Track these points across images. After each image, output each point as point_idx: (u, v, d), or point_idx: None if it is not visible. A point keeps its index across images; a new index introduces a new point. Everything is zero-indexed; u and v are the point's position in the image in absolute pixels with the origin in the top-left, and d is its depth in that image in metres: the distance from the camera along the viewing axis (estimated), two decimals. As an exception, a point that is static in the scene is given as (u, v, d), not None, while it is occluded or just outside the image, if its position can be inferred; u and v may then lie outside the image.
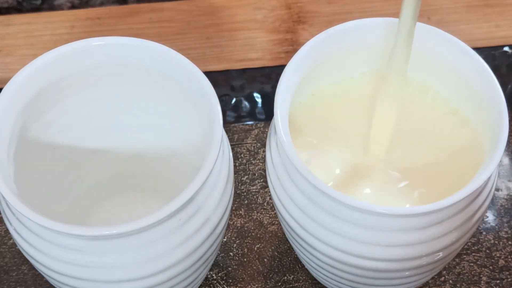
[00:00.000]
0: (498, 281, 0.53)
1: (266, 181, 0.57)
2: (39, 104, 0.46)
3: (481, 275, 0.53)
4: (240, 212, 0.56)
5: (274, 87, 0.62)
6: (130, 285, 0.43)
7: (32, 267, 0.53)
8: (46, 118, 0.48)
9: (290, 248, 0.54)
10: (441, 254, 0.44)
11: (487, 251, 0.54)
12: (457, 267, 0.54)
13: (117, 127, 0.51)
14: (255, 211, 0.56)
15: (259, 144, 0.59)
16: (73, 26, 0.65)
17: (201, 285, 0.53)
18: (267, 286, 0.53)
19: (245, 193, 0.56)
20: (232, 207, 0.52)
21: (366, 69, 0.49)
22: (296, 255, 0.54)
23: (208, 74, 0.45)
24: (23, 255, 0.49)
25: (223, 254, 0.54)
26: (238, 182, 0.57)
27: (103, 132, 0.51)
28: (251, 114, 0.61)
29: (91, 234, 0.39)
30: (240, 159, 0.58)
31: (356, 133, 0.48)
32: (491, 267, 0.54)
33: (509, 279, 0.53)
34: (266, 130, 0.59)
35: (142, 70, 0.47)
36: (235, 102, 0.62)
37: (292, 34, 0.65)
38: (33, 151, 0.47)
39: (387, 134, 0.47)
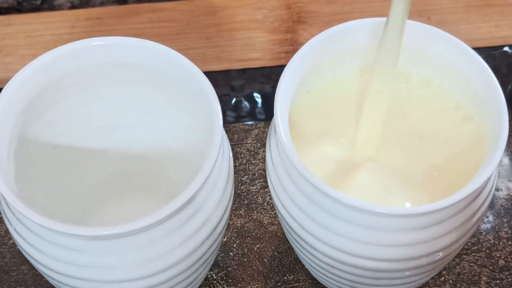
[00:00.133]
0: (498, 281, 0.53)
1: (266, 181, 0.57)
2: (39, 104, 0.46)
3: (481, 275, 0.53)
4: (240, 212, 0.56)
5: (274, 87, 0.62)
6: (130, 285, 0.43)
7: (32, 267, 0.53)
8: (46, 118, 0.48)
9: (290, 248, 0.54)
10: (441, 254, 0.44)
11: (487, 251, 0.54)
12: (457, 267, 0.54)
13: (117, 127, 0.51)
14: (255, 211, 0.56)
15: (259, 144, 0.59)
16: (73, 26, 0.65)
17: (201, 285, 0.53)
18: (267, 286, 0.53)
19: (245, 193, 0.56)
20: (232, 207, 0.52)
21: (365, 68, 0.49)
22: (296, 255, 0.54)
23: (208, 74, 0.45)
24: (23, 255, 0.49)
25: (223, 254, 0.54)
26: (238, 182, 0.57)
27: (103, 132, 0.51)
28: (251, 114, 0.61)
29: (91, 234, 0.39)
30: (240, 159, 0.58)
31: (353, 130, 0.48)
32: (491, 267, 0.54)
33: (509, 279, 0.53)
34: (266, 130, 0.59)
35: (142, 70, 0.47)
36: (235, 102, 0.62)
37: (292, 34, 0.65)
38: (33, 151, 0.47)
39: (376, 131, 0.47)
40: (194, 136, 0.48)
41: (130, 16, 0.66)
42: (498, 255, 0.54)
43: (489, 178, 0.44)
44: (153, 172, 0.53)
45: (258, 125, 0.60)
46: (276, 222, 0.55)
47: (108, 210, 0.53)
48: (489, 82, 0.45)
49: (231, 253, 0.54)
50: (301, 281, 0.53)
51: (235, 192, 0.56)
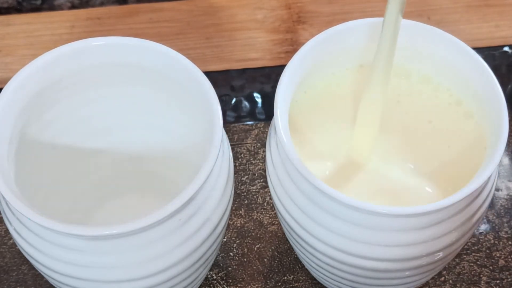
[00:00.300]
0: (498, 281, 0.53)
1: (266, 181, 0.57)
2: (39, 104, 0.46)
3: (481, 275, 0.53)
4: (240, 212, 0.56)
5: (274, 87, 0.62)
6: (130, 285, 0.43)
7: (32, 267, 0.53)
8: (46, 118, 0.48)
9: (290, 248, 0.54)
10: (441, 254, 0.44)
11: (487, 251, 0.54)
12: (457, 267, 0.54)
13: (117, 127, 0.51)
14: (255, 211, 0.56)
15: (259, 144, 0.59)
16: (73, 26, 0.65)
17: (201, 285, 0.53)
18: (267, 286, 0.53)
19: (245, 193, 0.56)
20: (232, 207, 0.52)
21: (366, 67, 0.49)
22: (296, 255, 0.54)
23: (208, 74, 0.45)
24: (23, 255, 0.49)
25: (223, 254, 0.54)
26: (238, 182, 0.57)
27: (103, 132, 0.51)
28: (251, 114, 0.61)
29: (91, 234, 0.39)
30: (240, 159, 0.58)
31: (352, 129, 0.48)
32: (491, 267, 0.54)
33: (509, 279, 0.53)
34: (266, 130, 0.59)
35: (142, 70, 0.47)
36: (235, 102, 0.62)
37: (292, 34, 0.65)
38: (33, 151, 0.47)
39: (372, 131, 0.47)
40: (194, 136, 0.48)
41: (130, 16, 0.66)
42: (498, 255, 0.54)
43: (489, 178, 0.44)
44: (153, 172, 0.53)
45: (258, 125, 0.60)
46: (276, 222, 0.55)
47: (108, 210, 0.53)
48: (489, 82, 0.45)
49: (231, 253, 0.54)
50: (301, 281, 0.53)
51: (235, 192, 0.56)
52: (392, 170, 0.47)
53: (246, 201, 0.56)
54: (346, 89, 0.49)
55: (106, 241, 0.41)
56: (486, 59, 0.47)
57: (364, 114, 0.46)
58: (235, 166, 0.57)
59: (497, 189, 0.57)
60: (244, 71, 0.63)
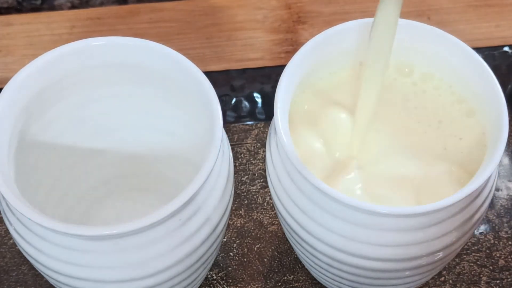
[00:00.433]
0: (498, 281, 0.53)
1: (266, 181, 0.57)
2: (39, 104, 0.46)
3: (481, 275, 0.53)
4: (240, 212, 0.56)
5: (274, 87, 0.62)
6: (130, 285, 0.43)
7: (32, 267, 0.53)
8: (46, 118, 0.48)
9: (290, 248, 0.54)
10: (441, 254, 0.44)
11: (487, 251, 0.54)
12: (457, 267, 0.54)
13: (117, 127, 0.51)
14: (255, 211, 0.56)
15: (259, 144, 0.59)
16: (73, 26, 0.65)
17: (201, 285, 0.53)
18: (267, 286, 0.53)
19: (245, 193, 0.56)
20: (232, 207, 0.52)
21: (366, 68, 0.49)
22: (296, 255, 0.54)
23: (208, 74, 0.45)
24: (23, 255, 0.49)
25: (223, 254, 0.54)
26: (238, 182, 0.57)
27: (103, 132, 0.51)
28: (251, 114, 0.61)
29: (91, 234, 0.39)
30: (240, 159, 0.58)
31: (352, 129, 0.48)
32: (491, 267, 0.54)
33: (509, 279, 0.53)
34: (266, 130, 0.59)
35: (142, 70, 0.47)
36: (235, 102, 0.62)
37: (292, 34, 0.65)
38: (33, 151, 0.47)
39: (367, 131, 0.47)
40: (194, 136, 0.48)
41: (130, 16, 0.66)
42: (498, 255, 0.54)
43: (489, 178, 0.44)
44: (153, 172, 0.53)
45: (258, 125, 0.60)
46: (276, 222, 0.55)
47: (108, 210, 0.53)
48: (489, 82, 0.45)
49: (231, 253, 0.54)
50: (301, 281, 0.53)
51: (235, 192, 0.56)
52: (392, 170, 0.46)
53: (246, 201, 0.56)
54: (346, 89, 0.49)
55: (106, 241, 0.41)
56: (486, 59, 0.47)
57: (360, 113, 0.46)
58: (235, 166, 0.57)
59: (497, 189, 0.57)
60: (244, 71, 0.63)
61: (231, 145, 0.55)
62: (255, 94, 0.62)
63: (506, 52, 0.64)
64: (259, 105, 0.62)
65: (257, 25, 0.65)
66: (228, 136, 0.53)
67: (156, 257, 0.42)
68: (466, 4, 0.66)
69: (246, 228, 0.55)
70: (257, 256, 0.54)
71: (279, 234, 0.55)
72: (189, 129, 0.49)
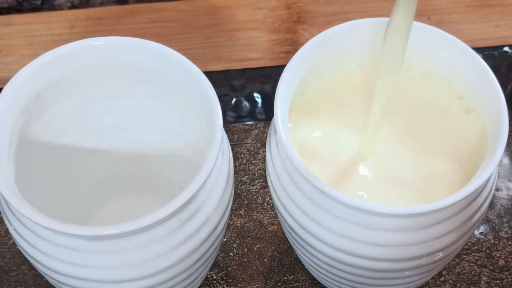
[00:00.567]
0: (498, 281, 0.53)
1: (266, 181, 0.57)
2: (39, 104, 0.46)
3: (481, 275, 0.53)
4: (240, 212, 0.56)
5: (274, 87, 0.61)
6: (130, 285, 0.43)
7: (32, 267, 0.53)
8: (46, 118, 0.48)
9: (290, 248, 0.54)
10: (441, 254, 0.44)
11: (487, 251, 0.54)
12: (457, 267, 0.54)
13: (117, 127, 0.51)
14: (255, 211, 0.56)
15: (259, 144, 0.59)
16: (73, 26, 0.65)
17: (201, 285, 0.53)
18: (267, 286, 0.53)
19: (245, 193, 0.56)
20: (232, 207, 0.52)
21: (365, 67, 0.49)
22: (296, 255, 0.54)
23: (208, 74, 0.45)
24: (23, 255, 0.49)
25: (223, 254, 0.54)
26: (238, 182, 0.57)
27: (103, 132, 0.51)
28: (251, 114, 0.61)
29: (91, 234, 0.39)
30: (240, 159, 0.58)
31: (351, 129, 0.48)
32: (491, 267, 0.54)
33: (509, 279, 0.53)
34: (266, 130, 0.59)
35: (142, 70, 0.47)
36: (235, 102, 0.62)
37: (292, 34, 0.65)
38: (33, 151, 0.47)
39: (377, 133, 0.47)
40: (194, 136, 0.48)
41: (130, 16, 0.66)
42: (498, 255, 0.54)
43: (489, 178, 0.44)
44: (153, 172, 0.53)
45: (258, 125, 0.60)
46: (276, 222, 0.55)
47: (108, 210, 0.53)
48: (489, 82, 0.45)
49: (231, 253, 0.54)
50: (301, 281, 0.53)
51: (235, 192, 0.56)
52: (393, 170, 0.46)
53: (246, 201, 0.56)
54: (346, 88, 0.49)
55: (106, 241, 0.41)
56: (486, 59, 0.47)
57: (374, 115, 0.46)
58: (235, 166, 0.57)
59: (497, 189, 0.57)
60: (244, 71, 0.63)
61: (231, 145, 0.55)
62: (255, 94, 0.62)
63: (506, 52, 0.64)
64: (259, 105, 0.62)
65: (257, 25, 0.65)
66: (228, 136, 0.53)
67: (156, 257, 0.42)
68: (466, 4, 0.66)
69: (246, 228, 0.55)
70: (257, 256, 0.54)
71: (279, 234, 0.55)
72: (189, 129, 0.49)
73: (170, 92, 0.48)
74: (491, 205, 0.56)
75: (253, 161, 0.58)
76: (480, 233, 0.55)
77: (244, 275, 0.53)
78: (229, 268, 0.54)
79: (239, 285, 0.53)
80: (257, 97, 0.62)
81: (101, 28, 0.65)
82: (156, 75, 0.47)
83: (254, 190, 0.57)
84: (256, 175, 0.57)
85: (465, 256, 0.54)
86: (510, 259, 0.54)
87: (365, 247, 0.43)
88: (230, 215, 0.53)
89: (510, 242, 0.54)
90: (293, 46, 0.64)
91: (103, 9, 0.66)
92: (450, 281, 0.53)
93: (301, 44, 0.52)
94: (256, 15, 0.66)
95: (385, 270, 0.45)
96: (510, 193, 0.57)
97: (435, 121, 0.48)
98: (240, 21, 0.65)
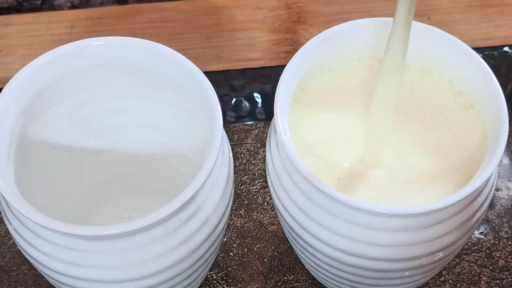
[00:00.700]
0: (498, 281, 0.53)
1: (266, 181, 0.57)
2: (39, 104, 0.46)
3: (481, 275, 0.53)
4: (240, 212, 0.56)
5: (274, 87, 0.61)
6: (130, 285, 0.43)
7: (32, 267, 0.53)
8: (46, 118, 0.48)
9: (290, 248, 0.54)
10: (441, 254, 0.44)
11: (487, 251, 0.54)
12: (457, 267, 0.54)
13: (117, 127, 0.51)
14: (255, 211, 0.56)
15: (259, 144, 0.59)
16: (73, 26, 0.65)
17: (201, 285, 0.53)
18: (267, 286, 0.53)
19: (245, 193, 0.56)
20: (232, 207, 0.52)
21: (365, 66, 0.49)
22: (296, 255, 0.54)
23: (208, 74, 0.45)
24: (23, 255, 0.49)
25: (223, 254, 0.54)
26: (238, 182, 0.57)
27: (103, 132, 0.51)
28: (251, 114, 0.61)
29: (91, 234, 0.39)
30: (240, 159, 0.58)
31: (351, 129, 0.48)
32: (491, 267, 0.54)
33: (509, 279, 0.53)
34: (266, 130, 0.59)
35: (142, 70, 0.47)
36: (235, 102, 0.62)
37: (292, 34, 0.65)
38: (33, 151, 0.47)
39: (383, 136, 0.47)
40: (194, 136, 0.48)
41: (130, 16, 0.66)
42: (498, 255, 0.54)
43: (489, 178, 0.44)
44: (153, 172, 0.53)
45: (258, 125, 0.60)
46: (276, 222, 0.55)
47: (108, 210, 0.53)
48: (489, 83, 0.45)
49: (231, 253, 0.54)
50: (301, 281, 0.53)
51: (235, 192, 0.56)
52: (393, 170, 0.46)
53: (246, 201, 0.56)
54: (346, 88, 0.49)
55: (106, 241, 0.41)
56: (486, 59, 0.47)
57: (377, 116, 0.46)
58: (235, 166, 0.57)
59: (497, 189, 0.57)
60: (244, 71, 0.63)
61: (231, 145, 0.55)
62: (255, 94, 0.62)
63: (506, 52, 0.64)
64: (259, 105, 0.62)
65: (257, 25, 0.65)
66: (228, 136, 0.53)
67: (156, 257, 0.42)
68: (466, 4, 0.66)
69: (246, 228, 0.55)
70: (257, 256, 0.54)
71: (279, 234, 0.55)
72: (189, 129, 0.49)
73: (170, 92, 0.48)
74: (491, 205, 0.56)
75: (253, 161, 0.58)
76: (480, 233, 0.55)
77: (244, 275, 0.53)
78: (229, 268, 0.54)
79: (239, 285, 0.53)
80: (257, 97, 0.62)
81: (101, 28, 0.65)
82: (156, 75, 0.47)
83: (254, 190, 0.57)
84: (256, 175, 0.57)
85: (465, 256, 0.54)
86: (510, 259, 0.54)
87: (365, 247, 0.43)
88: (230, 215, 0.53)
89: (510, 242, 0.54)
90: (293, 46, 0.64)
91: (103, 9, 0.66)
92: (450, 281, 0.53)
93: (301, 44, 0.52)
94: (256, 15, 0.66)
95: (385, 270, 0.45)
96: (510, 193, 0.57)
97: (434, 121, 0.48)
98: (240, 21, 0.65)
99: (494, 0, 0.66)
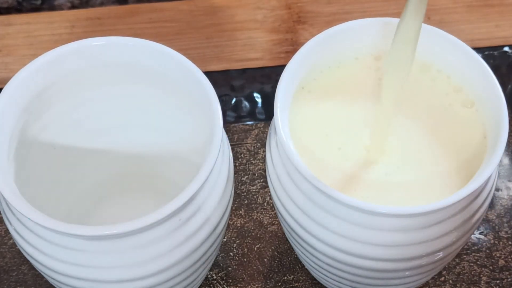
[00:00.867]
0: (498, 281, 0.53)
1: (266, 181, 0.57)
2: (39, 104, 0.46)
3: (481, 275, 0.53)
4: (240, 212, 0.56)
5: (274, 87, 0.62)
6: (130, 285, 0.43)
7: (32, 267, 0.53)
8: (46, 117, 0.48)
9: (290, 248, 0.54)
10: (441, 254, 0.44)
11: (487, 251, 0.54)
12: (457, 267, 0.54)
13: (117, 127, 0.51)
14: (255, 211, 0.56)
15: (259, 144, 0.59)
16: (73, 26, 0.65)
17: (201, 285, 0.53)
18: (267, 286, 0.53)
19: (245, 193, 0.56)
20: (232, 207, 0.52)
21: (365, 66, 0.49)
22: (296, 255, 0.54)
23: (208, 74, 0.45)
24: (23, 255, 0.49)
25: (223, 254, 0.54)
26: (238, 182, 0.57)
27: (103, 132, 0.51)
28: (251, 114, 0.61)
29: (91, 234, 0.39)
30: (240, 159, 0.58)
31: (351, 129, 0.48)
32: (491, 267, 0.54)
33: (509, 279, 0.53)
34: (266, 130, 0.59)
35: (142, 70, 0.47)
36: (235, 102, 0.62)
37: (292, 34, 0.65)
38: (33, 151, 0.47)
39: (387, 134, 0.47)
40: (194, 136, 0.48)
41: (130, 16, 0.66)
42: (498, 255, 0.54)
43: (489, 178, 0.44)
44: (153, 172, 0.53)
45: (258, 125, 0.60)
46: (276, 222, 0.55)
47: (108, 210, 0.53)
48: (489, 83, 0.45)
49: (231, 253, 0.54)
50: (301, 281, 0.53)
51: (235, 192, 0.56)
52: (392, 170, 0.46)
53: (246, 201, 0.56)
54: (346, 88, 0.49)
55: (106, 241, 0.41)
56: (486, 59, 0.47)
57: (382, 116, 0.46)
58: (235, 166, 0.57)
59: (497, 189, 0.57)
60: (244, 71, 0.63)
61: (231, 145, 0.55)
62: (255, 94, 0.62)
63: (506, 52, 0.64)
64: (259, 105, 0.62)
65: (257, 25, 0.65)
66: (228, 136, 0.53)
67: (156, 257, 0.42)
68: (466, 4, 0.66)
69: (246, 228, 0.55)
70: (257, 256, 0.54)
71: (279, 234, 0.55)
72: (189, 129, 0.49)
73: (170, 92, 0.48)
74: (491, 205, 0.56)
75: (253, 161, 0.58)
76: (480, 233, 0.55)
77: (244, 275, 0.53)
78: (229, 268, 0.54)
79: (239, 285, 0.53)
80: (257, 97, 0.62)
81: (101, 28, 0.65)
82: (156, 75, 0.47)
83: (254, 190, 0.57)
84: (256, 175, 0.57)
85: (465, 256, 0.54)
86: (510, 259, 0.54)
87: (365, 247, 0.43)
88: (230, 215, 0.53)
89: (510, 242, 0.54)
90: (293, 46, 0.64)
91: (103, 9, 0.66)
92: (450, 281, 0.53)
93: (301, 44, 0.52)
94: (256, 15, 0.66)
95: (385, 270, 0.45)
96: (510, 193, 0.57)
97: (434, 122, 0.48)
98: (240, 21, 0.65)
99: (494, 0, 0.66)
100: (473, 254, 0.54)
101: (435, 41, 0.47)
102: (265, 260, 0.54)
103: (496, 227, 0.55)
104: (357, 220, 0.42)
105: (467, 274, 0.53)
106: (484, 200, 0.45)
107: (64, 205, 0.51)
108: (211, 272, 0.53)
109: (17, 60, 0.63)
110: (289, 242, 0.54)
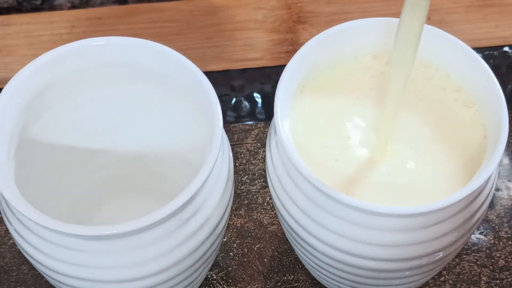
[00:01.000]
0: (498, 281, 0.53)
1: (266, 181, 0.57)
2: (39, 104, 0.46)
3: (481, 275, 0.53)
4: (240, 212, 0.56)
5: (274, 87, 0.62)
6: (130, 285, 0.43)
7: (32, 267, 0.53)
8: (46, 118, 0.48)
9: (290, 248, 0.54)
10: (441, 254, 0.44)
11: (487, 251, 0.54)
12: (457, 267, 0.54)
13: (117, 127, 0.51)
14: (255, 211, 0.56)
15: (259, 144, 0.59)
16: (73, 26, 0.65)
17: (201, 285, 0.53)
18: (267, 286, 0.53)
19: (245, 193, 0.56)
20: (232, 207, 0.52)
21: (365, 66, 0.49)
22: (296, 255, 0.54)
23: (208, 74, 0.45)
24: (23, 255, 0.49)
25: (223, 254, 0.54)
26: (238, 182, 0.57)
27: (103, 132, 0.51)
28: (251, 114, 0.61)
29: (91, 234, 0.39)
30: (240, 159, 0.58)
31: (351, 129, 0.48)
32: (491, 267, 0.54)
33: (509, 279, 0.53)
34: (266, 130, 0.59)
35: (142, 70, 0.47)
36: (235, 102, 0.62)
37: (292, 34, 0.65)
38: (33, 151, 0.47)
39: (391, 134, 0.47)
40: (194, 136, 0.48)
41: (130, 16, 0.66)
42: (498, 255, 0.54)
43: (489, 178, 0.44)
44: (153, 172, 0.53)
45: (258, 125, 0.60)
46: (276, 222, 0.55)
47: (108, 210, 0.53)
48: (489, 83, 0.45)
49: (231, 253, 0.54)
50: (301, 281, 0.53)
51: (235, 192, 0.56)
52: (392, 170, 0.46)
53: (246, 201, 0.56)
54: (346, 88, 0.49)
55: (106, 241, 0.41)
56: (486, 59, 0.47)
57: (387, 116, 0.46)
58: (235, 166, 0.57)
59: (497, 189, 0.57)
60: (244, 71, 0.63)
61: (231, 145, 0.55)
62: (255, 94, 0.62)
63: (506, 52, 0.64)
64: (259, 105, 0.62)
65: (257, 25, 0.65)
66: (228, 136, 0.53)
67: (156, 257, 0.42)
68: (466, 4, 0.66)
69: (246, 228, 0.55)
70: (257, 256, 0.54)
71: (279, 234, 0.55)
72: (189, 129, 0.49)
73: (170, 92, 0.48)
74: (491, 205, 0.56)
75: (253, 161, 0.58)
76: (480, 233, 0.55)
77: (244, 275, 0.53)
78: (229, 268, 0.54)
79: (239, 285, 0.53)
80: (257, 97, 0.62)
81: (101, 28, 0.65)
82: (156, 75, 0.47)
83: (254, 190, 0.57)
84: (256, 175, 0.57)
85: (465, 256, 0.54)
86: (510, 259, 0.54)
87: (365, 247, 0.43)
88: (230, 215, 0.53)
89: (510, 242, 0.54)
90: (293, 46, 0.64)
91: (103, 9, 0.66)
92: (450, 281, 0.53)
93: (301, 44, 0.52)
94: (256, 15, 0.66)
95: (385, 270, 0.45)
96: (510, 193, 0.57)
97: (434, 121, 0.48)
98: (240, 21, 0.65)
99: (494, 0, 0.66)
100: (473, 254, 0.54)
101: (435, 41, 0.47)
102: (265, 260, 0.54)
103: (496, 227, 0.55)
104: (357, 220, 0.42)
105: (467, 274, 0.53)
106: (484, 200, 0.45)
107: (64, 205, 0.51)
108: (211, 272, 0.53)
109: (17, 60, 0.63)
110: (289, 242, 0.54)
